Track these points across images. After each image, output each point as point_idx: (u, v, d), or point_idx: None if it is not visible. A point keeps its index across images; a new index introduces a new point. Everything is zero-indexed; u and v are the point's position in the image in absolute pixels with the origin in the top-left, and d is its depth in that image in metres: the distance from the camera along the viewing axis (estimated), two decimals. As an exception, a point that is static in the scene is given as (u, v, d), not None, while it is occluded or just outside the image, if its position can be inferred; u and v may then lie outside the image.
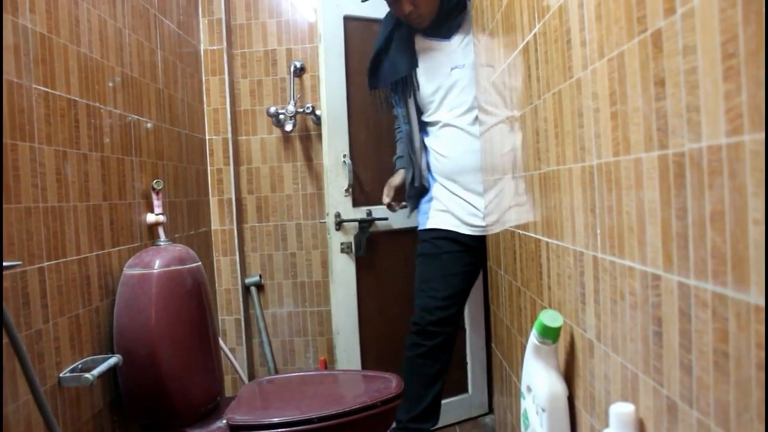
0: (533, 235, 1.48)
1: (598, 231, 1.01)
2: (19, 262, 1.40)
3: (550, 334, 1.18)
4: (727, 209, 0.62)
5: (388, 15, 2.45)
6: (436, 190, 2.49)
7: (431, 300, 2.38)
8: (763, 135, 0.55)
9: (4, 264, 1.32)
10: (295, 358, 3.28)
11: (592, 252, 1.05)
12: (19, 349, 1.34)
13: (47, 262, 1.63)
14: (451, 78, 2.39)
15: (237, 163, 3.18)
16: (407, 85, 2.42)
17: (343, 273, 2.68)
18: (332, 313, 2.77)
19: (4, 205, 1.44)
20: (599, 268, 1.02)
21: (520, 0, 1.49)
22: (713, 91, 0.63)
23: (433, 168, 2.49)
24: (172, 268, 1.95)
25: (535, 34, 1.35)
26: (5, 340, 1.34)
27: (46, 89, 1.66)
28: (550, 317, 1.19)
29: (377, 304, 2.79)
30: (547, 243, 1.35)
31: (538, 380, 1.20)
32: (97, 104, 1.94)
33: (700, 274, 0.68)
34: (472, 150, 2.28)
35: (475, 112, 2.32)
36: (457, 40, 2.41)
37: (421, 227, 2.52)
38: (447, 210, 2.44)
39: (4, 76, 1.48)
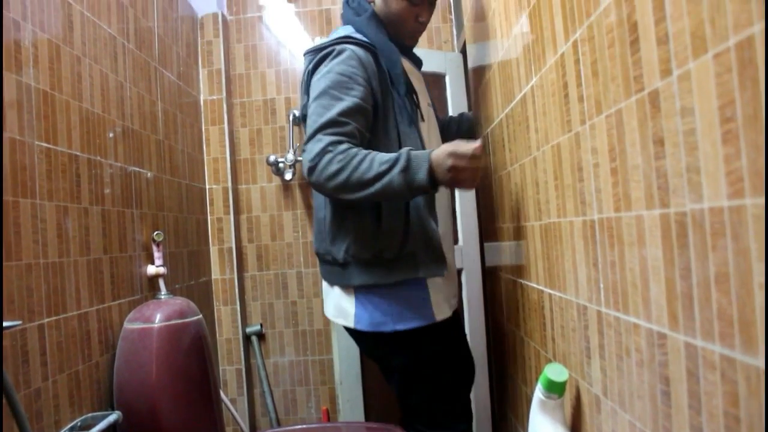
0: (536, 285, 1.48)
1: (602, 285, 1.00)
2: (19, 322, 1.39)
3: (555, 389, 1.16)
4: (732, 272, 0.62)
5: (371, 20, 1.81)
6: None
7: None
8: (764, 200, 0.55)
9: (4, 324, 1.31)
10: (297, 407, 3.23)
11: (595, 306, 1.04)
12: (18, 412, 1.32)
13: (47, 319, 1.62)
14: (430, 115, 1.94)
15: (237, 212, 3.19)
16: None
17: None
18: (335, 363, 2.74)
19: (4, 263, 1.43)
20: (603, 322, 1.01)
21: (516, 51, 1.51)
22: (713, 153, 0.63)
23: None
24: (173, 322, 1.93)
25: (532, 87, 1.37)
26: (4, 401, 1.32)
27: (48, 145, 1.67)
28: (555, 371, 1.17)
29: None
30: (550, 294, 1.34)
31: (545, 436, 1.18)
32: (98, 158, 1.95)
33: (707, 335, 0.68)
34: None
35: None
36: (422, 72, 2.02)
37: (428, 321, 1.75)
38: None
39: (7, 134, 1.49)
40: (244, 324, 3.16)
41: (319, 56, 1.70)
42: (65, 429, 1.65)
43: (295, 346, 3.22)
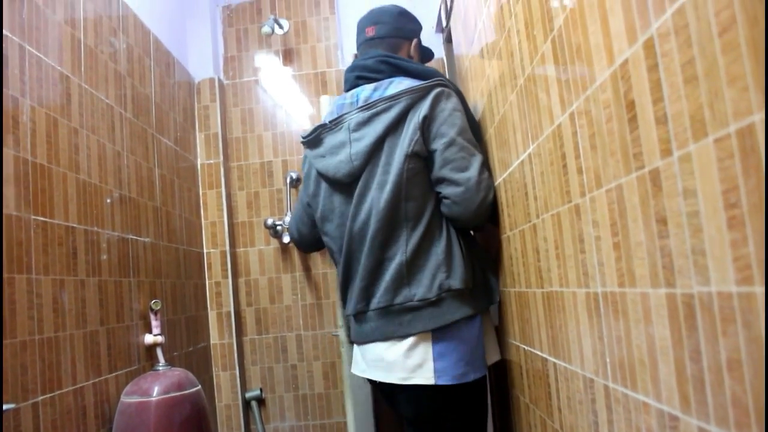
0: (539, 353, 1.45)
1: (608, 359, 0.98)
2: (12, 405, 1.36)
3: (564, 464, 1.13)
4: (745, 359, 0.60)
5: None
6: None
7: None
8: (775, 290, 0.54)
9: (-2, 409, 1.28)
10: (298, 474, 3.16)
11: (602, 380, 1.02)
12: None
13: (41, 396, 1.58)
14: None
15: (235, 276, 3.16)
16: None
17: (360, 388, 2.59)
18: (349, 429, 2.67)
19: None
20: (612, 398, 0.99)
21: (512, 117, 1.52)
22: (718, 237, 0.62)
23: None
24: (171, 395, 1.89)
25: (530, 154, 1.37)
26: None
27: (44, 219, 1.66)
28: (563, 446, 1.14)
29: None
30: (555, 364, 1.32)
31: None
32: (95, 228, 1.94)
33: (722, 422, 0.66)
34: None
35: None
36: None
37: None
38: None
39: (4, 211, 1.48)
40: (244, 389, 3.11)
41: (435, 92, 1.78)
42: None
43: (296, 411, 3.16)
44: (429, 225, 1.75)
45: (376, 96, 1.84)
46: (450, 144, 1.72)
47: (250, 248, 3.21)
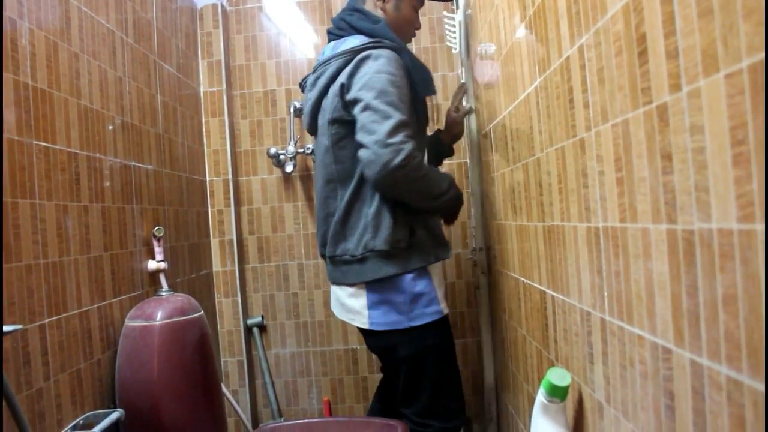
0: (538, 285, 1.47)
1: (606, 293, 1.00)
2: (20, 326, 1.38)
3: (558, 393, 1.16)
4: (741, 295, 0.61)
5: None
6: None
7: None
8: (776, 227, 0.54)
9: (5, 330, 1.30)
10: (298, 398, 3.24)
11: (599, 314, 1.04)
12: (19, 418, 1.32)
13: (48, 319, 1.61)
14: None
15: (238, 204, 3.17)
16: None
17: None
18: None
19: (4, 265, 1.43)
20: (607, 330, 1.01)
21: (519, 50, 1.49)
22: (723, 174, 0.62)
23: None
24: (174, 319, 1.93)
25: (536, 87, 1.35)
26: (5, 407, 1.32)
27: (46, 144, 1.66)
28: (557, 376, 1.17)
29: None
30: (553, 296, 1.33)
31: (548, 441, 1.18)
32: (98, 155, 1.94)
33: (713, 355, 0.67)
34: None
35: None
36: None
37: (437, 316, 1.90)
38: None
39: (5, 135, 1.48)
40: (246, 316, 3.16)
41: (358, 58, 1.80)
42: (68, 427, 1.65)
43: (297, 338, 3.22)
44: (359, 187, 1.84)
45: (327, 56, 1.93)
46: (365, 108, 1.73)
47: (253, 177, 3.21)
